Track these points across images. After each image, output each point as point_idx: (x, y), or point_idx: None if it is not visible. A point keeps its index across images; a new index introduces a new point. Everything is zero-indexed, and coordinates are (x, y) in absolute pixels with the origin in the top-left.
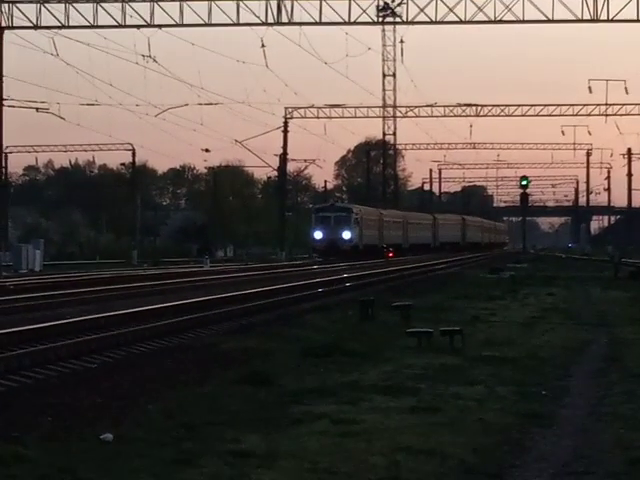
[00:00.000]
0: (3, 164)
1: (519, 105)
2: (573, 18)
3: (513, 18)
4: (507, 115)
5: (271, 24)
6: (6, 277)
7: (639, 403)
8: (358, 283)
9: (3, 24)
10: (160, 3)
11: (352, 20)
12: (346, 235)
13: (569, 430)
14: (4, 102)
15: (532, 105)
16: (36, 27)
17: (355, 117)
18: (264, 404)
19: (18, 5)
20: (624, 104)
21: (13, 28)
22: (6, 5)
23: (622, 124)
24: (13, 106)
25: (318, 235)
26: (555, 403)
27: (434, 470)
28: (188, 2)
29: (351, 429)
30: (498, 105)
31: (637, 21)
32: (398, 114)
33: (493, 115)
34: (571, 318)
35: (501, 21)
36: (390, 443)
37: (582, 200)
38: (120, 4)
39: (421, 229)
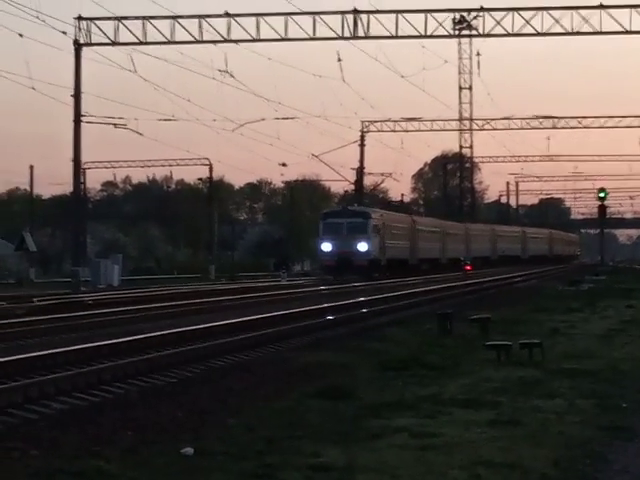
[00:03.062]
0: (81, 180)
1: (596, 117)
2: None
3: (590, 30)
4: (584, 127)
5: (347, 38)
6: (84, 292)
7: None
8: (434, 297)
9: (81, 41)
10: (236, 18)
11: (428, 33)
12: (362, 247)
13: None
14: (82, 118)
15: (610, 117)
16: (114, 43)
17: (432, 130)
18: (343, 418)
19: (96, 22)
20: None
21: (91, 45)
22: (84, 22)
23: None
24: (91, 122)
25: (326, 247)
26: (636, 416)
27: None
28: (264, 17)
29: (431, 442)
30: (575, 117)
31: None
32: (475, 127)
33: (570, 127)
34: None
35: (578, 33)
36: (470, 456)
37: None
38: (197, 20)
39: (456, 242)
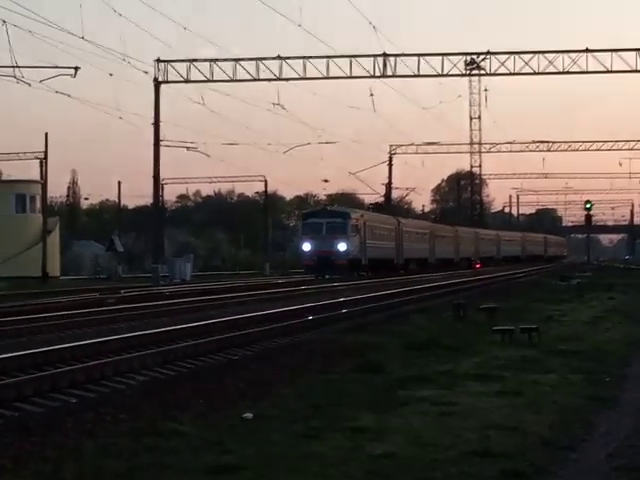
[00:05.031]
0: (160, 193)
1: (584, 141)
2: (629, 69)
3: (578, 69)
4: (574, 150)
5: (378, 77)
6: (163, 285)
7: None
8: (450, 290)
9: (160, 79)
10: (287, 60)
11: (445, 73)
12: (341, 247)
13: (629, 410)
14: (161, 142)
15: (594, 141)
16: (186, 81)
17: (448, 153)
18: (376, 388)
19: (172, 64)
20: None
21: (168, 82)
22: (162, 64)
23: None
24: (168, 146)
25: (306, 247)
26: (617, 388)
27: (518, 443)
28: (310, 59)
29: (448, 410)
30: (566, 141)
31: None
32: (483, 150)
33: (562, 150)
34: (629, 318)
35: (568, 72)
36: (481, 421)
37: (637, 220)
38: (254, 62)
39: (445, 243)
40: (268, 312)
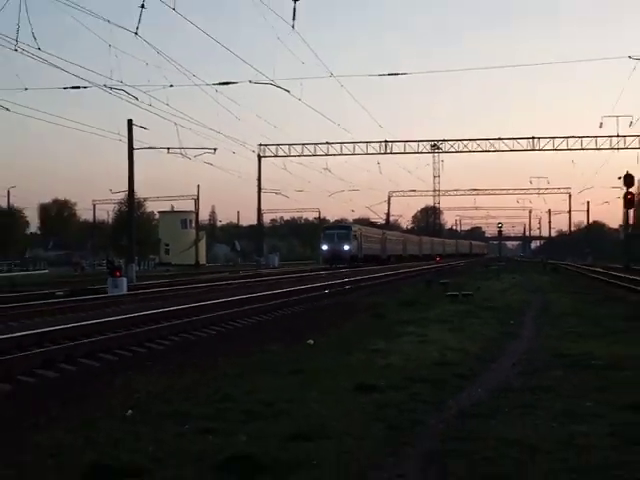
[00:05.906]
0: (261, 218)
1: (498, 189)
2: (522, 149)
3: (493, 149)
4: (492, 194)
5: (382, 153)
6: (262, 269)
7: (558, 329)
8: (420, 273)
9: (261, 154)
10: (332, 145)
11: (419, 151)
12: (346, 247)
13: (525, 340)
14: (262, 191)
15: (503, 189)
16: (275, 156)
17: (421, 196)
18: (383, 327)
19: (268, 146)
20: (547, 188)
21: (266, 157)
22: (262, 147)
23: (546, 198)
24: (265, 192)
25: (325, 247)
26: (517, 328)
27: (462, 358)
28: (344, 144)
29: (424, 339)
30: (488, 189)
31: (563, 150)
32: (441, 194)
33: (486, 195)
34: (524, 288)
35: (488, 151)
36: (441, 346)
37: (527, 233)
38: (313, 145)
39: (413, 245)
40: (318, 285)
